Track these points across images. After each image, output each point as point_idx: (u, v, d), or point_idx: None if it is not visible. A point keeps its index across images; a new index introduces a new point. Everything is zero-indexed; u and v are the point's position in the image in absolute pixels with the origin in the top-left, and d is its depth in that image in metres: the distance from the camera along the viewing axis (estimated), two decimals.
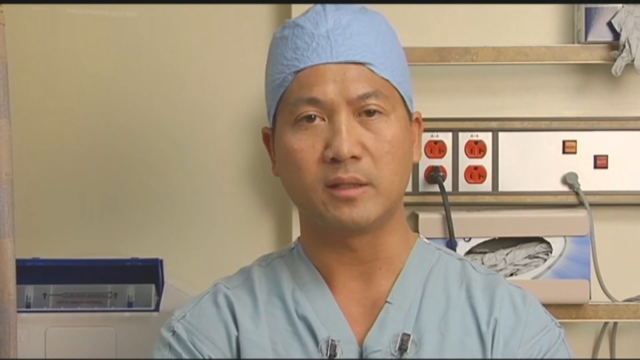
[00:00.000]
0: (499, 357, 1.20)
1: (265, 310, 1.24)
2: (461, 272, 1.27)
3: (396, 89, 1.22)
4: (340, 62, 1.19)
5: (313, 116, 1.18)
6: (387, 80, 1.21)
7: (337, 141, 1.16)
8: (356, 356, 1.20)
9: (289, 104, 1.20)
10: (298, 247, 1.30)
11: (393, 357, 1.19)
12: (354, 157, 1.17)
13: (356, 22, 1.21)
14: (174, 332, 1.25)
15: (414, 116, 1.28)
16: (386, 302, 1.23)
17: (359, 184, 1.17)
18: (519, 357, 1.20)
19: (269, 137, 1.28)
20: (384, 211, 1.20)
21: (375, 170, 1.18)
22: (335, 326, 1.22)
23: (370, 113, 1.19)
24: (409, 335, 1.20)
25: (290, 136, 1.20)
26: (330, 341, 1.20)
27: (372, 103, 1.18)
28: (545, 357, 1.22)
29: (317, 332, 1.21)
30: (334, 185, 1.17)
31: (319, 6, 1.24)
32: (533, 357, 1.21)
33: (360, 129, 1.18)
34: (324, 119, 1.19)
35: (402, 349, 1.19)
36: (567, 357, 1.25)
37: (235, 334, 1.23)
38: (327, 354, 1.20)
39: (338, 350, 1.20)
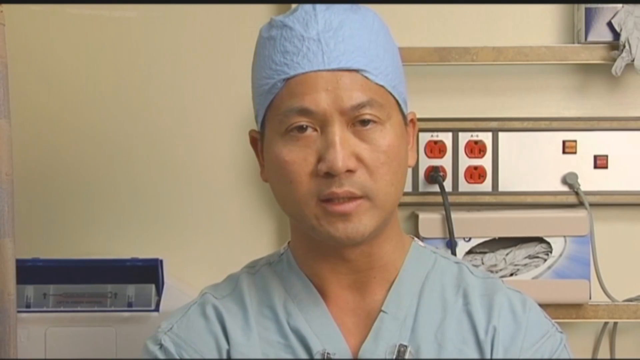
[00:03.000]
0: None
1: (256, 321, 1.19)
2: (458, 277, 1.22)
3: (391, 93, 1.16)
4: (333, 70, 1.12)
5: (305, 126, 1.12)
6: (381, 86, 1.14)
7: (331, 155, 1.10)
8: None
9: (279, 114, 1.14)
10: (288, 254, 1.24)
11: None
12: (349, 171, 1.11)
13: (348, 22, 1.14)
14: (161, 345, 1.19)
15: (409, 117, 1.21)
16: (381, 311, 1.18)
17: (353, 198, 1.12)
18: None
19: (257, 141, 1.22)
20: (379, 223, 1.15)
21: (371, 182, 1.12)
22: (329, 338, 1.17)
23: (364, 123, 1.12)
24: (406, 347, 1.15)
25: (281, 147, 1.14)
26: (325, 354, 1.15)
27: (367, 113, 1.12)
28: None
29: (311, 344, 1.16)
30: (328, 199, 1.12)
31: (308, 5, 1.15)
32: None
33: (355, 140, 1.12)
34: (316, 130, 1.12)
35: None
36: None
37: (226, 348, 1.18)
38: None
39: None
